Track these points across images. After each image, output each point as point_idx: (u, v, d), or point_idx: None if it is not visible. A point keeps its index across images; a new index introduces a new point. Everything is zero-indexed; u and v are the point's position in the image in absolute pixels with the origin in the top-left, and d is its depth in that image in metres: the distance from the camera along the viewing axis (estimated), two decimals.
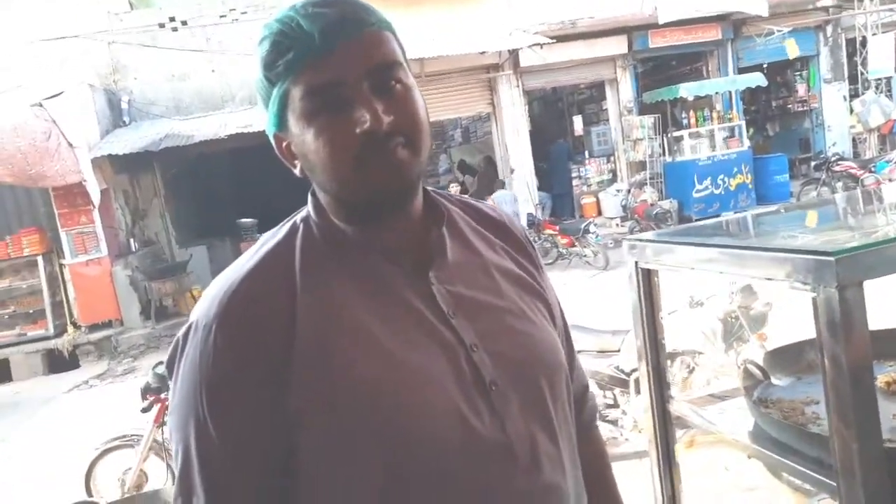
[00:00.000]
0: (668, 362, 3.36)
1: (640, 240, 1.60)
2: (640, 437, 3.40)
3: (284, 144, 0.89)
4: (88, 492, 4.08)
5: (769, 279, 1.32)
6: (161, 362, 4.23)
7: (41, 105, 8.23)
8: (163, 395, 3.97)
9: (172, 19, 10.72)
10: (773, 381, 1.76)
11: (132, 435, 4.14)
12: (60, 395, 7.68)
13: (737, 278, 3.29)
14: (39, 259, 9.10)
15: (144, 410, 3.98)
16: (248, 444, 0.82)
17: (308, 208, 0.93)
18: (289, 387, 0.80)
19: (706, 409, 1.75)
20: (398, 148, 0.83)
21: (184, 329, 0.86)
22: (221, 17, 10.80)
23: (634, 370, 3.35)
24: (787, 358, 1.79)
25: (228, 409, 0.81)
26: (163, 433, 4.01)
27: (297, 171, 0.90)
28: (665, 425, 1.69)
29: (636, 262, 1.60)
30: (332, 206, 0.90)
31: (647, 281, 1.61)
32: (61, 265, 9.28)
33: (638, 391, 3.26)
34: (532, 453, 0.87)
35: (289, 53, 0.81)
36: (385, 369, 0.81)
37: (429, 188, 0.96)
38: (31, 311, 9.24)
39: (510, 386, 0.87)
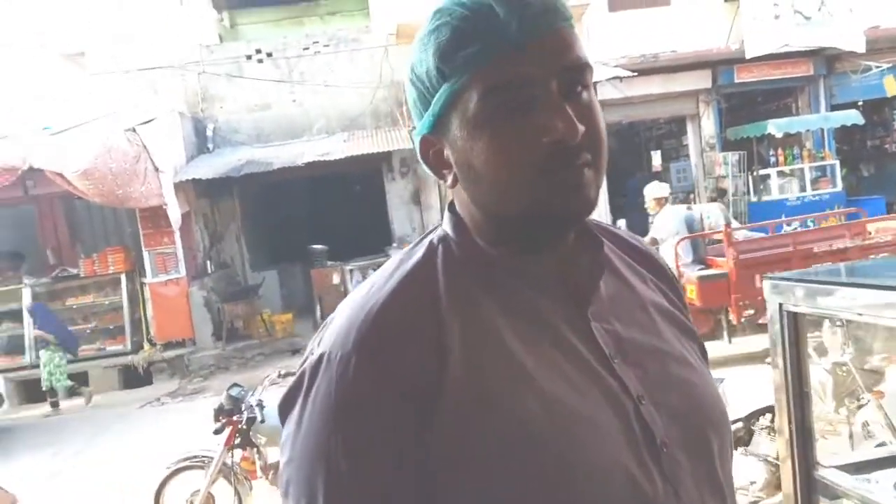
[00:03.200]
0: (772, 416, 3.05)
1: (788, 279, 1.39)
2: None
3: (434, 150, 0.77)
4: None
5: None
6: (235, 384, 4.20)
7: (134, 130, 8.60)
8: (235, 418, 3.93)
9: (258, 51, 11.14)
10: None
11: (202, 456, 4.11)
12: (134, 411, 7.87)
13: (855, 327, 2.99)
14: (122, 277, 9.47)
15: (217, 432, 3.94)
16: (389, 490, 0.69)
17: (445, 227, 0.81)
18: (439, 423, 0.69)
19: (856, 478, 1.50)
20: (584, 167, 0.71)
21: (311, 361, 0.73)
22: (304, 49, 11.14)
23: (735, 421, 3.08)
24: None
25: (371, 451, 0.69)
26: (232, 456, 3.96)
27: (447, 182, 0.78)
28: (809, 496, 1.45)
29: (780, 305, 1.39)
30: (482, 224, 0.78)
31: (794, 326, 1.39)
32: (142, 284, 9.59)
33: (743, 444, 2.97)
34: None
35: (475, 44, 0.69)
36: (546, 414, 0.69)
37: None
38: (111, 327, 9.59)
39: (680, 446, 0.75)
